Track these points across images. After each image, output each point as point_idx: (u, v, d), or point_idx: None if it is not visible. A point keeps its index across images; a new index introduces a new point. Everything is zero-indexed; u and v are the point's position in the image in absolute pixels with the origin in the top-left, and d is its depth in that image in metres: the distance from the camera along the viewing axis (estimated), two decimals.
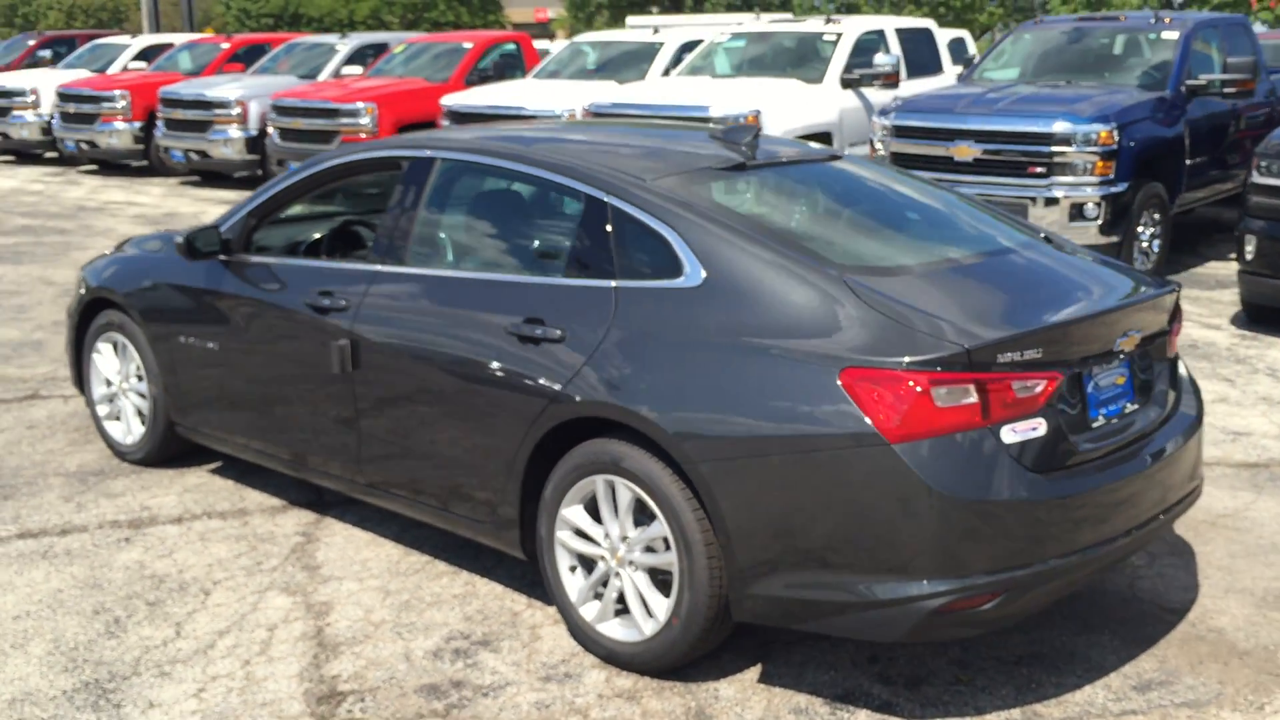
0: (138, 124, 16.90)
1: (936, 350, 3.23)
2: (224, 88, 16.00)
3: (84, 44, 21.69)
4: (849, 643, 3.88)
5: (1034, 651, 3.88)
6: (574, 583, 3.82)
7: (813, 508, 3.32)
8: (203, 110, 15.81)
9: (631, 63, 13.68)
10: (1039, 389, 3.36)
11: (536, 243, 4.32)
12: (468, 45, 15.55)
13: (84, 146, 17.43)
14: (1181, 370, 4.16)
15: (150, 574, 4.41)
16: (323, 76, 16.47)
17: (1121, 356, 3.71)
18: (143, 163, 17.47)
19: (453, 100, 13.37)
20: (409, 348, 4.12)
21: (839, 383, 3.24)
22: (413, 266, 4.30)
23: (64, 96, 17.44)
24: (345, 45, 17.14)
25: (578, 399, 3.64)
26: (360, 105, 14.11)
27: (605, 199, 3.85)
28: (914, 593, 3.23)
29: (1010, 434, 3.31)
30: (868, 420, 3.19)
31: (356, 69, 16.33)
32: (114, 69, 19.61)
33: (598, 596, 3.78)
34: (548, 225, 4.22)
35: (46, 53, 21.90)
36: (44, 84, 18.41)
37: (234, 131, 15.59)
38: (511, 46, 15.95)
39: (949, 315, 3.37)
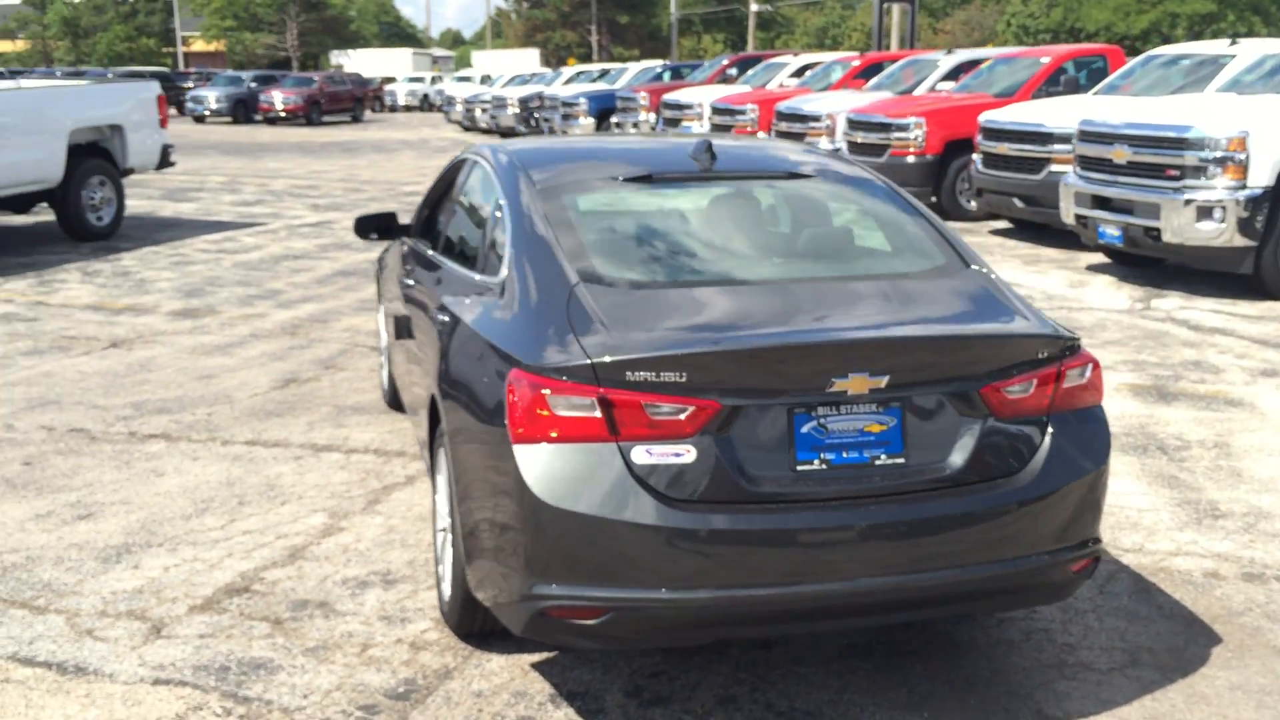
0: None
1: (565, 360, 3.29)
2: (820, 102, 17.07)
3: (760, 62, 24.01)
4: (645, 652, 3.94)
5: (806, 709, 3.65)
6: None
7: (480, 499, 3.54)
8: (799, 123, 17.02)
9: (1199, 74, 12.44)
10: (684, 414, 3.25)
11: (472, 239, 4.67)
12: (1044, 60, 15.05)
13: None
14: (1057, 438, 3.54)
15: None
16: (919, 90, 16.86)
17: (879, 403, 3.36)
18: None
19: (987, 116, 13.19)
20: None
21: (504, 381, 3.44)
22: (438, 251, 5.01)
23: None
24: (948, 60, 17.34)
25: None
26: (910, 120, 14.39)
27: (501, 200, 4.25)
28: (525, 591, 3.33)
29: (643, 455, 3.25)
30: (505, 420, 3.37)
31: (950, 84, 16.53)
32: (772, 85, 21.56)
33: None
34: (481, 223, 4.64)
35: (734, 70, 24.62)
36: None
37: (823, 143, 16.60)
38: (1099, 61, 15.12)
39: (630, 331, 3.36)
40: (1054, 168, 11.93)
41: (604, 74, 31.82)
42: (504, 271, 3.89)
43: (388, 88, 61.39)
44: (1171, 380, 7.36)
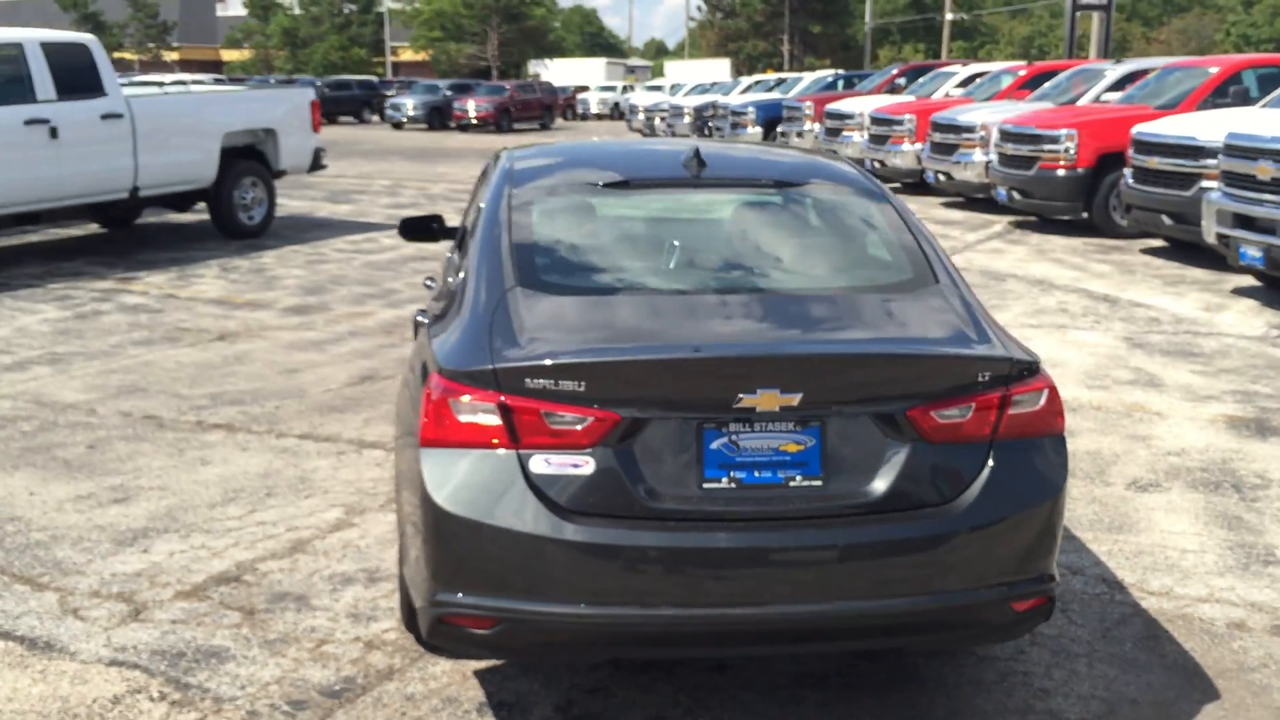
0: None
1: (471, 365, 3.24)
2: (976, 113, 16.53)
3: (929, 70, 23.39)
4: (592, 667, 3.86)
5: None
6: None
7: (405, 503, 3.52)
8: (954, 134, 16.52)
9: None
10: (583, 425, 3.16)
11: (464, 243, 4.62)
12: (1212, 70, 14.18)
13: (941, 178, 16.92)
14: (1000, 467, 3.29)
15: None
16: (1083, 101, 16.14)
17: (798, 422, 3.20)
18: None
19: (1139, 129, 12.50)
20: None
21: (426, 383, 3.41)
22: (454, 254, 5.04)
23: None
24: (1116, 70, 16.53)
25: None
26: (1061, 132, 13.78)
27: (482, 205, 4.24)
28: (429, 598, 3.30)
29: (541, 464, 3.17)
30: (419, 422, 3.34)
31: (1116, 95, 15.76)
32: (938, 95, 21.00)
33: None
34: (473, 227, 4.60)
35: (902, 80, 24.09)
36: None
37: (977, 155, 16.07)
38: (1276, 70, 14.17)
39: (541, 338, 3.30)
40: (1205, 184, 11.21)
41: (780, 83, 31.58)
42: (462, 276, 3.88)
43: (580, 96, 62.48)
44: (1277, 415, 6.81)
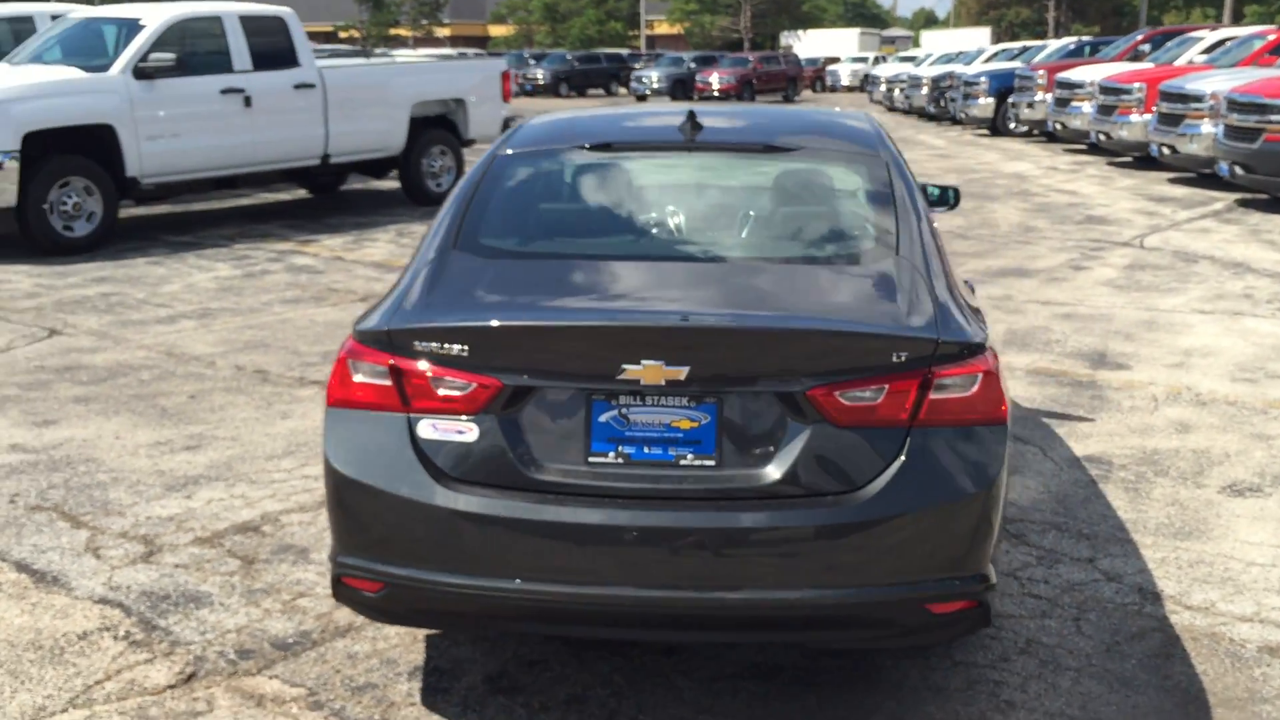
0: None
1: (370, 325, 3.21)
2: (1206, 81, 15.29)
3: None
4: (538, 639, 3.80)
5: None
6: None
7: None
8: (1181, 104, 15.35)
9: None
10: (467, 391, 3.08)
11: None
12: None
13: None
14: (918, 455, 3.02)
15: None
16: None
17: (693, 398, 3.02)
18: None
19: None
20: None
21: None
22: None
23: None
24: None
25: None
26: None
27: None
28: (330, 557, 3.30)
29: (429, 429, 3.11)
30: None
31: None
32: (1180, 62, 19.55)
33: None
34: None
35: (1147, 46, 22.53)
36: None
37: (1205, 127, 14.88)
38: None
39: (443, 299, 3.26)
40: None
41: (1024, 51, 30.13)
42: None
43: (830, 68, 61.50)
44: None
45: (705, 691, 3.54)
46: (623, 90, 52.89)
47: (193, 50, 11.55)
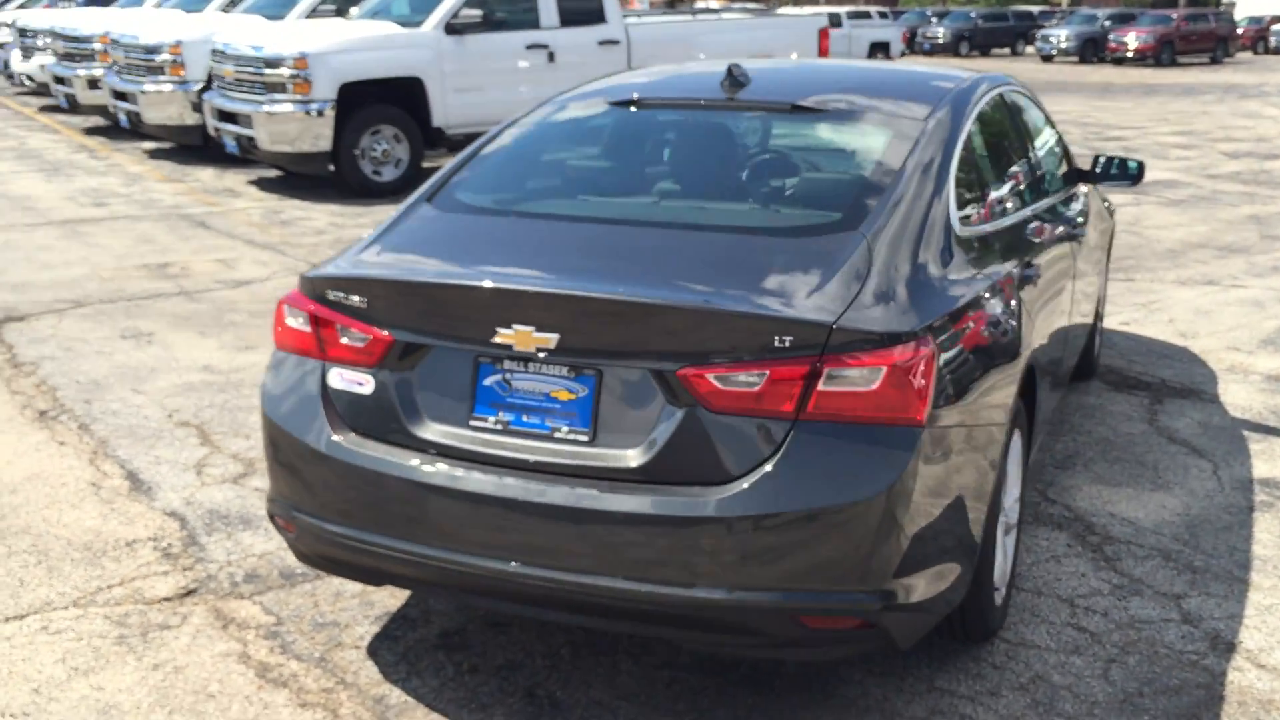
0: None
1: (307, 272, 3.25)
2: None
3: None
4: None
5: (564, 699, 3.26)
6: None
7: None
8: None
9: None
10: (364, 344, 3.05)
11: None
12: None
13: None
14: (801, 451, 2.71)
15: None
16: None
17: (573, 368, 2.85)
18: None
19: None
20: None
21: None
22: None
23: None
24: None
25: None
26: None
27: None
28: (267, 495, 3.39)
29: (337, 379, 3.12)
30: None
31: None
32: None
33: None
34: None
35: None
36: None
37: None
38: None
39: (369, 251, 3.26)
40: None
41: None
42: None
43: (1276, 27, 55.42)
44: None
45: (643, 678, 3.38)
46: (1030, 49, 50.18)
47: (503, 7, 12.07)
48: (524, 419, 2.93)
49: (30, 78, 19.13)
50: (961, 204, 3.46)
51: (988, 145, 4.01)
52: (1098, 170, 5.21)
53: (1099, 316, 5.85)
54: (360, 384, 3.10)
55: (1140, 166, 5.16)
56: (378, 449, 3.04)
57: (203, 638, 3.58)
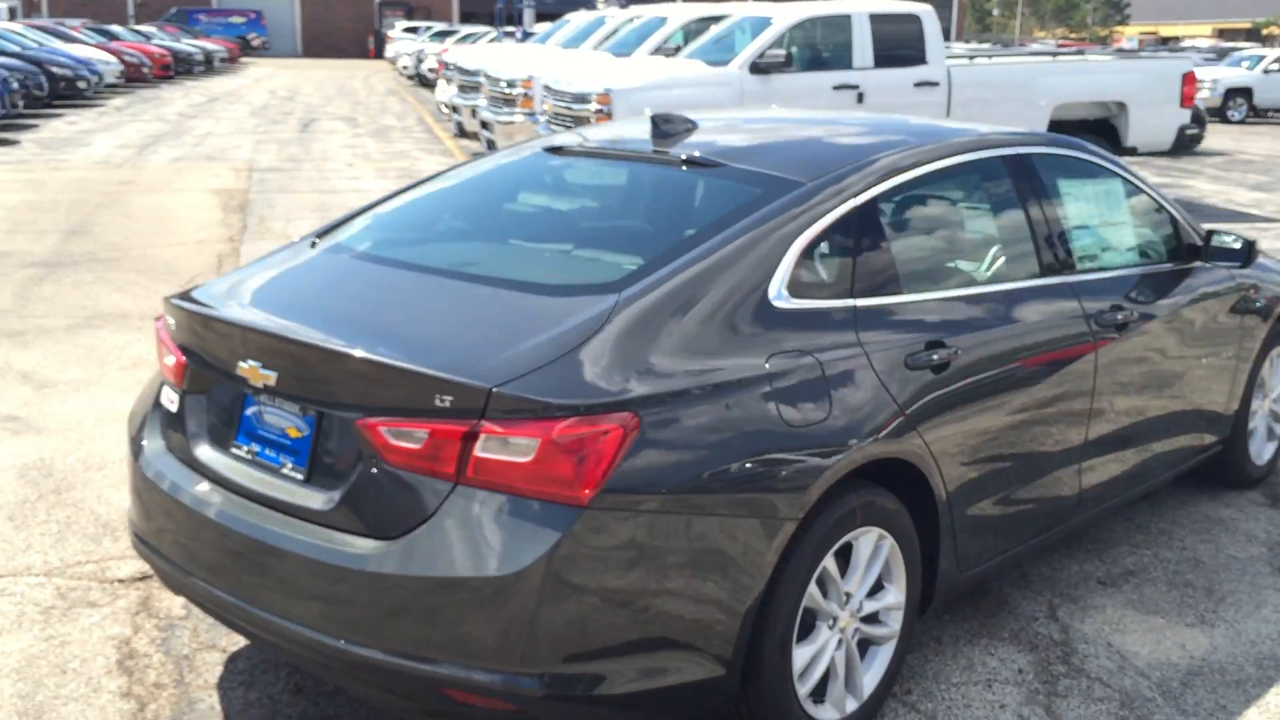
0: None
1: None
2: None
3: None
4: None
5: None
6: None
7: None
8: None
9: None
10: (172, 365, 3.24)
11: None
12: None
13: None
14: (453, 516, 2.61)
15: None
16: None
17: (301, 407, 2.88)
18: None
19: None
20: None
21: None
22: None
23: None
24: None
25: None
26: None
27: None
28: None
29: (165, 395, 3.33)
30: None
31: None
32: None
33: None
34: None
35: None
36: None
37: None
38: None
39: (242, 283, 3.40)
40: None
41: None
42: None
43: None
44: None
45: None
46: None
47: (814, 46, 11.97)
48: (266, 451, 3.01)
49: (447, 105, 21.18)
50: (816, 276, 3.15)
51: (928, 216, 3.62)
52: (1201, 247, 4.48)
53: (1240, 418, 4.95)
54: (171, 403, 3.30)
55: (1248, 246, 4.38)
56: (171, 469, 3.22)
57: (110, 620, 3.91)
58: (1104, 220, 4.33)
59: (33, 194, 13.20)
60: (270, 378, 2.91)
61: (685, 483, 2.71)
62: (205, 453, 3.15)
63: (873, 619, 3.32)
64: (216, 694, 3.49)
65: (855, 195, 3.34)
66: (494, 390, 2.58)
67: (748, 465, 2.82)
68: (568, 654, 2.62)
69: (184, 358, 3.21)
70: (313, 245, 3.60)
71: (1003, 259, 3.84)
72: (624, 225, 3.54)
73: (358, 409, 2.76)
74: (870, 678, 3.30)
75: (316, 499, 2.84)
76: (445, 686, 2.64)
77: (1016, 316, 3.68)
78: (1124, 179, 4.44)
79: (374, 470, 2.73)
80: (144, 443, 3.33)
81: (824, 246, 3.24)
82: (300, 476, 2.91)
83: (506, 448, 2.58)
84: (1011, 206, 3.92)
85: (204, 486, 3.09)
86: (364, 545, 2.71)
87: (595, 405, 2.61)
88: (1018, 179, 3.93)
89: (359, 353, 2.75)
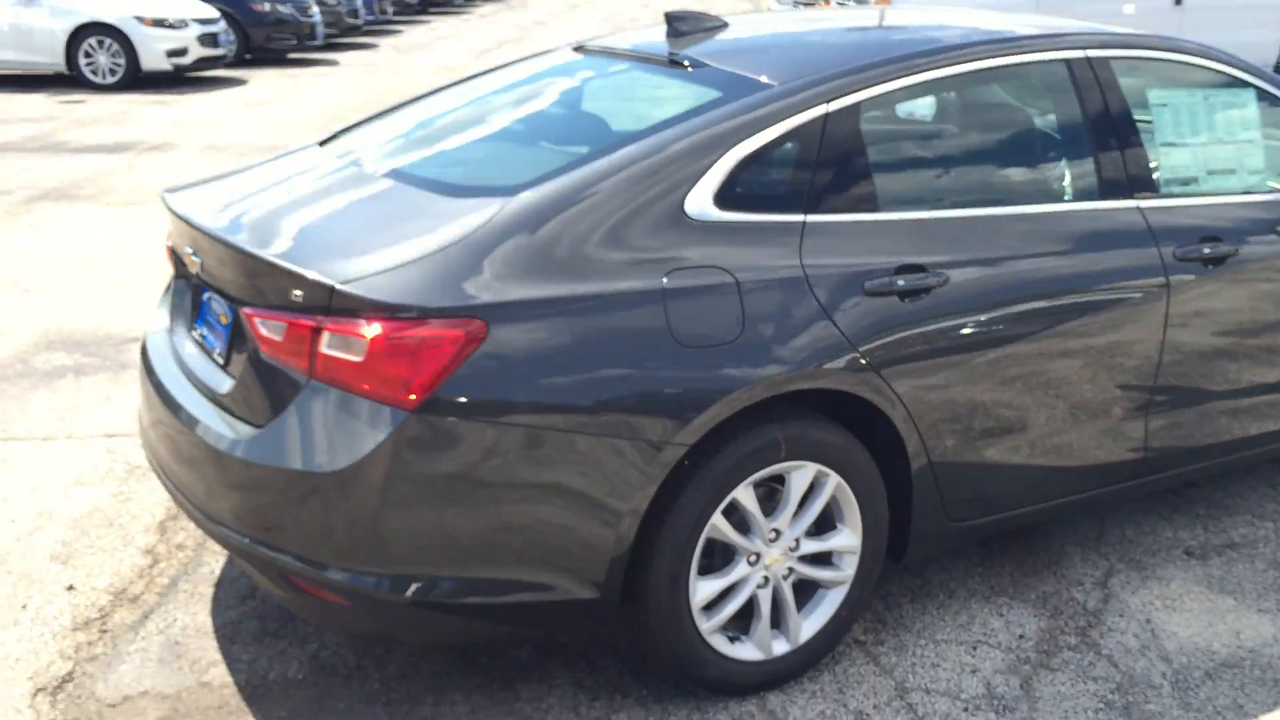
0: None
1: None
2: None
3: None
4: None
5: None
6: None
7: None
8: None
9: None
10: (169, 252, 3.42)
11: None
12: None
13: None
14: (302, 410, 2.64)
15: None
16: None
17: (226, 297, 2.98)
18: None
19: None
20: None
21: None
22: None
23: None
24: None
25: None
26: None
27: None
28: None
29: (171, 283, 3.54)
30: None
31: None
32: None
33: None
34: None
35: None
36: None
37: None
38: None
39: (237, 175, 3.54)
40: None
41: None
42: None
43: None
44: None
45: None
46: None
47: None
48: (208, 338, 3.15)
49: None
50: (758, 188, 2.91)
51: (935, 130, 3.22)
52: None
53: None
54: (167, 294, 3.51)
55: None
56: (161, 355, 3.40)
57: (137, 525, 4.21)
58: (1214, 138, 3.70)
59: (359, 94, 14.20)
60: (198, 265, 3.03)
61: (542, 397, 2.60)
62: (179, 336, 3.33)
63: (820, 560, 3.08)
64: (221, 560, 3.72)
65: (830, 100, 3.02)
66: (337, 287, 2.57)
67: (622, 385, 2.66)
68: (410, 558, 2.60)
69: (170, 248, 3.40)
70: (321, 145, 3.68)
71: (1039, 180, 3.37)
72: (579, 129, 3.37)
73: (244, 301, 2.83)
74: (812, 622, 3.07)
75: (225, 384, 2.95)
76: (291, 573, 2.70)
77: (1051, 245, 3.22)
78: (1255, 87, 3.76)
79: (256, 360, 2.80)
80: (152, 323, 3.56)
81: (776, 155, 2.96)
82: (221, 361, 3.03)
83: (347, 346, 2.57)
84: (1060, 120, 3.42)
85: (172, 365, 3.27)
86: (242, 430, 2.80)
87: (434, 309, 2.54)
88: (1075, 87, 3.40)
89: (240, 245, 2.82)
